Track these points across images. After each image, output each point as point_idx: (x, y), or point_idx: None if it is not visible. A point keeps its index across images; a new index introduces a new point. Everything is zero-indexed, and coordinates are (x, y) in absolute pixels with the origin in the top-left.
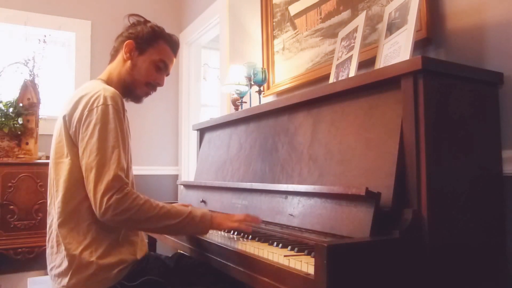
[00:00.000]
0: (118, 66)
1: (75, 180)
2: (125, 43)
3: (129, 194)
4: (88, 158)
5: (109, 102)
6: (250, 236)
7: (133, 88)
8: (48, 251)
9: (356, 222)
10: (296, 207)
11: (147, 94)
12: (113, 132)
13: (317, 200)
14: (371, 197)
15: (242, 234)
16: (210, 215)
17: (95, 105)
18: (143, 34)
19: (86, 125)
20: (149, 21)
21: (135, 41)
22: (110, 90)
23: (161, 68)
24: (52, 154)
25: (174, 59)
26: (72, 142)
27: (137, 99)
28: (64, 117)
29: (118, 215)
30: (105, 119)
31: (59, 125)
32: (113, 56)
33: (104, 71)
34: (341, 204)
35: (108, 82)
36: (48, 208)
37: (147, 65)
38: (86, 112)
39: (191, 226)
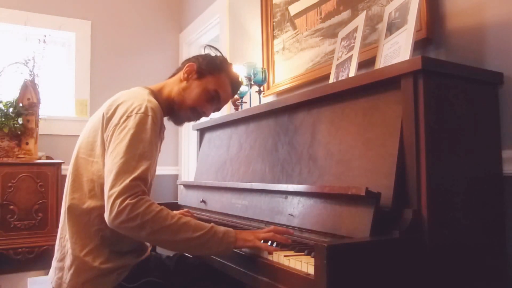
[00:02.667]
0: (173, 83)
1: (96, 184)
2: (187, 64)
3: (144, 200)
4: (112, 160)
5: (150, 113)
6: None
7: (178, 108)
8: (57, 241)
9: (356, 222)
10: (296, 207)
11: (189, 119)
12: (145, 142)
13: (317, 200)
14: (371, 197)
15: None
16: (234, 231)
17: (134, 111)
18: (208, 61)
19: (121, 130)
20: (221, 54)
21: (197, 65)
22: (153, 102)
23: (213, 98)
24: (78, 148)
25: (230, 99)
26: (103, 145)
27: (179, 121)
28: (103, 116)
29: (130, 220)
30: (141, 128)
31: (96, 121)
32: (173, 74)
33: (160, 83)
34: (341, 204)
35: (157, 94)
36: (63, 197)
37: (200, 90)
38: (124, 118)
39: (214, 242)
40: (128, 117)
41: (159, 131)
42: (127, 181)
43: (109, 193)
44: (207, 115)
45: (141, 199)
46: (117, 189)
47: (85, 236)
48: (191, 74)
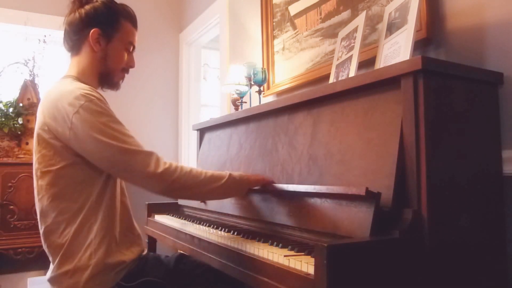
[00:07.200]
0: (87, 58)
1: (73, 184)
2: (90, 34)
3: (173, 162)
4: (107, 154)
5: (90, 97)
6: (250, 236)
7: (110, 76)
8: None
9: (356, 222)
10: (296, 207)
11: (123, 78)
12: (111, 121)
13: (317, 200)
14: (371, 197)
15: (242, 234)
16: (245, 175)
17: (78, 105)
18: (103, 16)
19: (81, 129)
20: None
21: (99, 29)
22: (82, 86)
23: (130, 49)
24: (36, 162)
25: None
26: (66, 149)
27: (115, 86)
28: (46, 124)
29: (176, 181)
30: (97, 114)
31: (39, 132)
32: (74, 47)
33: (70, 65)
34: (341, 204)
35: (80, 76)
36: (38, 213)
37: (119, 52)
38: (74, 117)
39: (235, 186)
40: (75, 114)
41: (107, 105)
42: (140, 154)
43: (137, 172)
44: (134, 66)
45: (171, 162)
46: (140, 164)
47: (78, 237)
48: (100, 40)
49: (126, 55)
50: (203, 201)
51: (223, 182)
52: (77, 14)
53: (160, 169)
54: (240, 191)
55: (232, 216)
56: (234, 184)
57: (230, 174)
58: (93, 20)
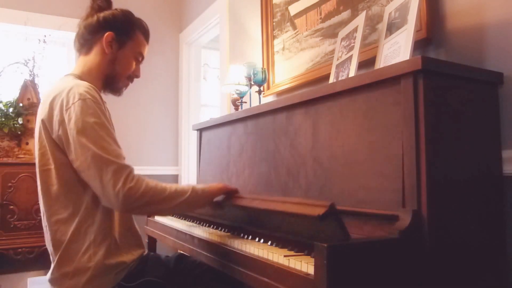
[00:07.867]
0: (96, 59)
1: (68, 186)
2: (105, 36)
3: (140, 179)
4: (82, 156)
5: (85, 96)
6: (250, 236)
7: (115, 81)
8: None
9: (330, 235)
10: (277, 219)
11: (127, 86)
12: (99, 124)
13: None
14: (331, 216)
15: (242, 234)
16: (207, 186)
17: (71, 102)
18: (120, 23)
19: (71, 126)
20: (110, 2)
21: (114, 33)
22: (83, 84)
23: (139, 60)
24: (37, 161)
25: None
26: (58, 147)
27: (118, 91)
28: (43, 121)
29: (137, 200)
30: (86, 114)
31: (39, 129)
32: (85, 46)
33: (77, 64)
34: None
35: (84, 76)
36: (42, 213)
37: (128, 59)
38: (65, 113)
39: (198, 199)
40: (67, 110)
41: (103, 106)
42: (114, 167)
43: (103, 185)
44: (139, 76)
45: (137, 180)
46: (109, 177)
47: (76, 239)
48: (112, 44)
49: (134, 64)
50: (169, 215)
51: (186, 196)
52: (95, 17)
53: (127, 187)
54: (203, 203)
55: (220, 217)
56: (197, 197)
57: (193, 188)
58: (109, 24)
